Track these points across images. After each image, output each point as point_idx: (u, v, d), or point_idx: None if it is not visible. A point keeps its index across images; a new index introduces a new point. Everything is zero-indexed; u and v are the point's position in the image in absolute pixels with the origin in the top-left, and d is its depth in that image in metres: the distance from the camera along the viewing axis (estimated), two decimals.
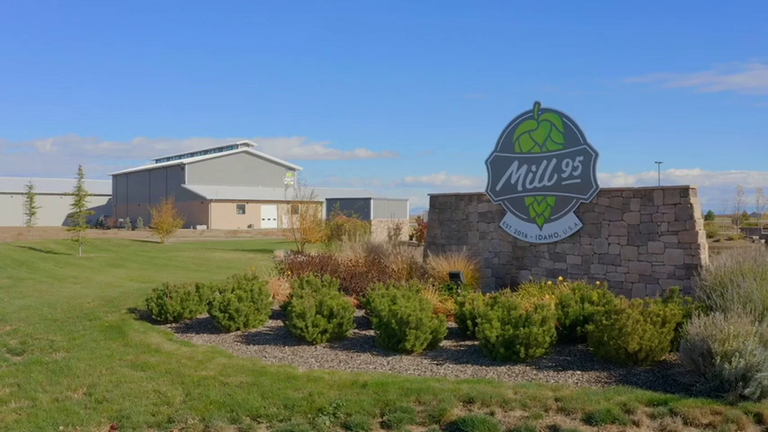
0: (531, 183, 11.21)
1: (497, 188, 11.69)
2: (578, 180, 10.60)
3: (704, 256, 9.53)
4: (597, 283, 9.76)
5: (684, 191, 9.72)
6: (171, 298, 8.88)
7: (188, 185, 67.12)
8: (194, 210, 64.70)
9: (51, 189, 72.61)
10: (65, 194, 39.41)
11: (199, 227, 62.93)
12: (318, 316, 7.63)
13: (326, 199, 44.73)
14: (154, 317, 9.04)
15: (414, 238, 43.53)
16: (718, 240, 59.56)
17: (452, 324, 8.29)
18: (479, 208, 12.09)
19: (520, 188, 11.35)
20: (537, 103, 11.20)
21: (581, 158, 10.57)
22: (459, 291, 9.76)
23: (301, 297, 8.18)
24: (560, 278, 9.94)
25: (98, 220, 71.71)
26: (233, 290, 8.86)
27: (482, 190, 12.00)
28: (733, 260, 8.85)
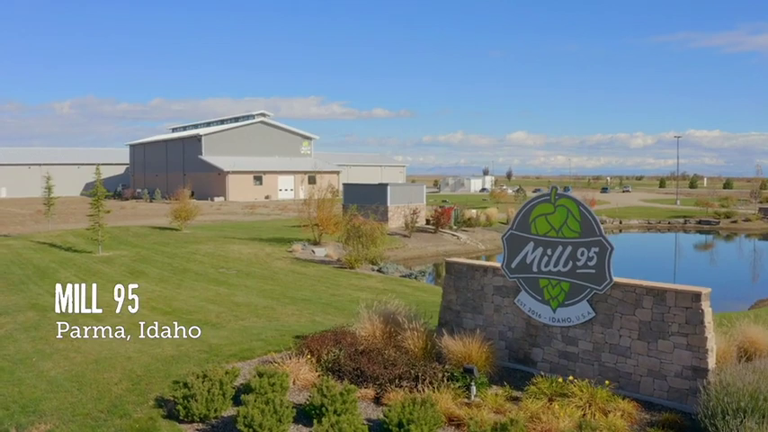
0: (546, 266, 11.38)
1: (513, 265, 11.88)
2: (593, 270, 10.76)
3: (711, 360, 9.75)
4: (607, 382, 10.12)
5: (697, 296, 9.87)
6: (197, 401, 9.33)
7: (205, 157, 67.48)
8: (211, 181, 65.22)
9: (69, 159, 73.31)
10: (82, 165, 40.07)
11: (216, 199, 63.57)
12: None
13: (343, 184, 44.94)
14: (181, 418, 9.50)
15: (430, 223, 43.88)
16: (735, 221, 59.41)
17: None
18: (495, 281, 12.31)
19: (535, 269, 11.53)
20: (554, 188, 11.28)
21: (596, 250, 10.70)
22: (472, 385, 10.13)
23: (320, 418, 8.60)
24: (571, 377, 10.24)
25: (116, 190, 72.55)
26: (255, 391, 9.33)
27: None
28: (738, 374, 9.08)
